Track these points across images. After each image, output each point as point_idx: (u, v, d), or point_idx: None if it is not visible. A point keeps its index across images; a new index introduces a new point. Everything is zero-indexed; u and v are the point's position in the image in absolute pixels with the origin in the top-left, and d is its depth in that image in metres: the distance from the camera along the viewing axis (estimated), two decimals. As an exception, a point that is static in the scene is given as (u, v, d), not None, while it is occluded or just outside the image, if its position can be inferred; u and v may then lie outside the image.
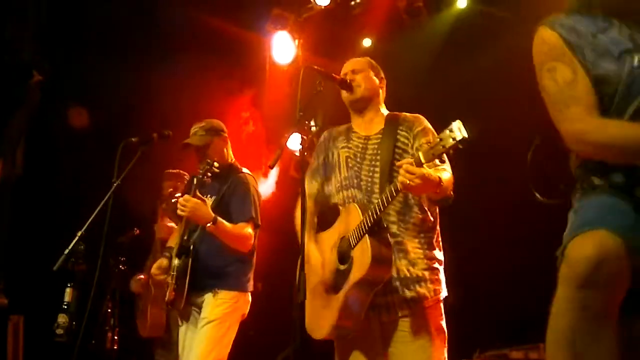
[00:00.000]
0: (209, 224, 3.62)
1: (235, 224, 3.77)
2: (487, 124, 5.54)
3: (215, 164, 3.78)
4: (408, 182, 2.51)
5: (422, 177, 2.53)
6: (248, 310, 3.90)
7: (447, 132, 2.42)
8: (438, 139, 2.45)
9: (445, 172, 2.74)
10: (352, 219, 2.83)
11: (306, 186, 3.07)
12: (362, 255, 2.71)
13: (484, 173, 5.42)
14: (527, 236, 5.38)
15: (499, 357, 4.95)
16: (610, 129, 1.90)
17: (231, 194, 3.87)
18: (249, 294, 3.90)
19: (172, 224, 4.79)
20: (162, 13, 6.61)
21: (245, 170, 4.06)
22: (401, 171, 2.54)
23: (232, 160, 4.07)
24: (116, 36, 6.55)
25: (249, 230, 3.78)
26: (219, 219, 3.65)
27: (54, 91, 6.34)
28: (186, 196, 3.69)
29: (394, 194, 2.65)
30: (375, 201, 2.81)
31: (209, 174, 3.75)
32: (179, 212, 3.69)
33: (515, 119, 5.38)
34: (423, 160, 2.50)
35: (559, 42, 2.00)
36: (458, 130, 2.39)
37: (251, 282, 3.92)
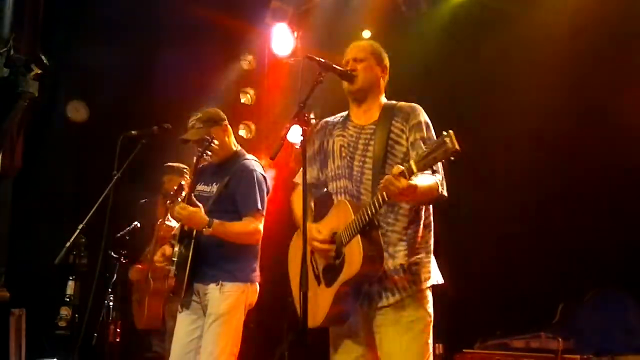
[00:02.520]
0: (204, 228, 3.58)
1: (241, 219, 3.70)
2: (486, 115, 5.56)
3: (215, 141, 3.74)
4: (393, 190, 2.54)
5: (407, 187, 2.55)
6: (255, 300, 3.84)
7: (439, 143, 2.42)
8: (429, 150, 2.45)
9: (425, 178, 2.70)
10: (343, 215, 2.84)
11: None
12: (354, 254, 2.74)
13: (485, 164, 5.42)
14: (529, 227, 5.39)
15: (500, 346, 4.96)
16: None
17: (237, 183, 3.76)
18: (257, 284, 3.83)
19: (174, 223, 4.76)
20: (161, 6, 6.61)
21: (250, 156, 3.96)
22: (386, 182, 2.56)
23: (236, 147, 3.97)
24: (115, 29, 6.54)
25: (254, 225, 3.69)
26: (216, 221, 3.59)
27: (53, 84, 6.34)
28: (182, 204, 3.65)
29: (385, 200, 2.65)
30: (364, 197, 2.87)
31: (208, 152, 3.73)
32: (176, 216, 3.70)
33: (514, 110, 5.38)
34: (415, 170, 2.50)
35: None
36: (450, 142, 2.38)
37: (257, 273, 3.83)
